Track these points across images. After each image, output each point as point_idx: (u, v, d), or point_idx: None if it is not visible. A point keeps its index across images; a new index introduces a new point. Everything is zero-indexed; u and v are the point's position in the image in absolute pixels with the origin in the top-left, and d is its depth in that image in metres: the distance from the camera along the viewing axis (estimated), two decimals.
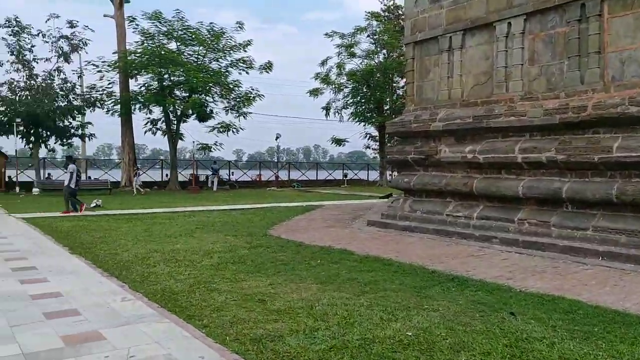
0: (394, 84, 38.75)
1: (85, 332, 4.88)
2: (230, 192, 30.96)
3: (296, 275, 7.40)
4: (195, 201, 21.80)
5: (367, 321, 5.25)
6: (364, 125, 39.20)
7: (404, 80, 37.42)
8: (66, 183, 16.59)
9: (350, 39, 37.20)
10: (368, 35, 37.52)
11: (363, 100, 38.03)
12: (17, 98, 28.96)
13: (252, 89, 32.82)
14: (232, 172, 39.70)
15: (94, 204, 18.46)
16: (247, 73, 32.90)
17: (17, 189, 27.69)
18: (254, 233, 11.70)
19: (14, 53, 29.05)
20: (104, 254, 8.99)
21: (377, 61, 37.55)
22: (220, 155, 39.53)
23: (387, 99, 37.89)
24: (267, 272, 7.60)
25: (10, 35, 28.92)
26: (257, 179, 39.27)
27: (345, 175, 42.79)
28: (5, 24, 28.77)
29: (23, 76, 29.64)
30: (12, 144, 29.29)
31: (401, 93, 39.44)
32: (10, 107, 28.29)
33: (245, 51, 32.46)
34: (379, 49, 37.63)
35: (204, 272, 7.58)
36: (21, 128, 28.38)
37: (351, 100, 38.30)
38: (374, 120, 37.98)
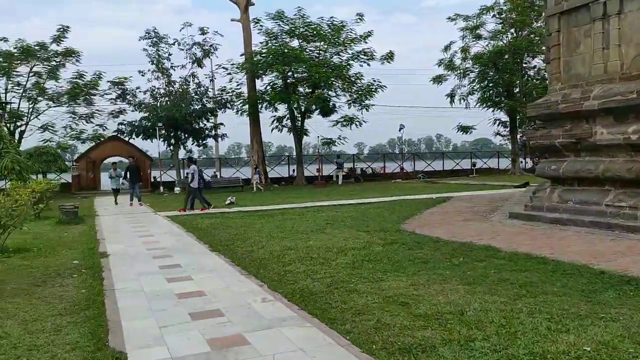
0: (525, 65, 36.06)
1: (229, 335, 4.78)
2: (356, 185, 30.86)
3: (438, 275, 6.84)
4: (322, 196, 21.89)
5: (531, 331, 4.57)
6: (493, 111, 37.04)
7: (536, 59, 35.13)
8: (189, 183, 17.34)
9: (475, 20, 35.24)
10: (494, 15, 35.25)
11: (491, 85, 35.94)
12: (158, 104, 31.37)
13: (374, 81, 32.39)
14: (357, 166, 39.63)
15: (228, 202, 19.25)
16: (368, 65, 32.48)
17: (161, 188, 29.98)
18: (386, 228, 11.26)
19: (154, 62, 31.44)
20: (241, 252, 9.11)
21: (505, 41, 35.16)
22: (342, 149, 39.62)
23: (517, 82, 35.34)
24: (407, 271, 7.13)
25: (150, 46, 31.36)
26: (382, 172, 38.79)
27: (474, 165, 40.73)
28: (145, 36, 31.25)
29: (162, 83, 32.03)
30: (155, 147, 31.76)
31: (533, 74, 36.74)
32: (153, 113, 30.71)
33: (366, 42, 32.11)
34: (507, 28, 35.21)
35: (340, 270, 7.30)
36: (163, 132, 30.66)
37: (478, 85, 36.32)
38: (503, 105, 35.68)
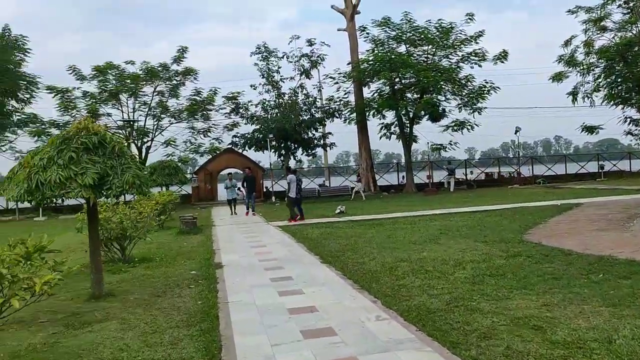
0: None
1: (343, 358, 4.49)
2: (469, 192, 29.50)
3: (574, 293, 6.06)
4: (434, 203, 21.08)
5: None
6: (622, 109, 33.62)
7: None
8: (287, 192, 17.31)
9: (598, 11, 32.34)
10: (620, 5, 32.14)
11: (619, 80, 32.69)
12: (268, 116, 32.37)
13: (486, 82, 30.84)
14: (471, 172, 37.96)
15: (338, 210, 19.15)
16: (479, 66, 31.00)
17: (273, 198, 30.78)
18: (507, 239, 10.40)
19: (265, 76, 32.51)
20: (352, 263, 8.84)
21: (634, 32, 31.87)
22: (452, 155, 38.15)
23: None
24: (535, 288, 6.41)
25: (260, 60, 32.50)
26: (497, 177, 36.81)
27: (602, 167, 37.32)
28: (256, 51, 32.44)
29: (272, 96, 33.04)
30: (267, 158, 32.78)
31: None
32: (264, 125, 31.75)
33: (477, 43, 30.69)
34: (636, 18, 31.86)
35: (458, 286, 6.76)
36: (273, 143, 31.56)
37: (604, 81, 33.19)
38: (634, 101, 32.31)
